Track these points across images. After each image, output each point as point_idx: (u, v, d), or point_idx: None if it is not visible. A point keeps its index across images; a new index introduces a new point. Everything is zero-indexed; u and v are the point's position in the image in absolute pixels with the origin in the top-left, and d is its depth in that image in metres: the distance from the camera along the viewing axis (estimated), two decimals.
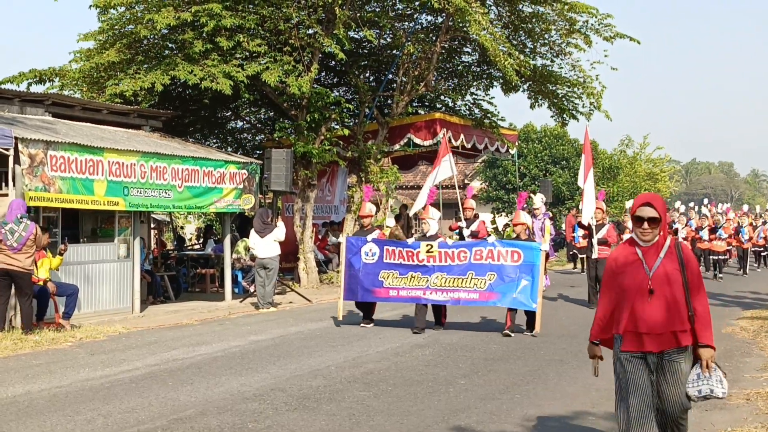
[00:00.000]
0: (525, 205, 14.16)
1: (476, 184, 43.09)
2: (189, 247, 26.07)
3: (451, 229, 16.82)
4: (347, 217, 22.61)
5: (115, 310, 14.90)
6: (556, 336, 12.57)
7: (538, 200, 21.50)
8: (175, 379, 9.23)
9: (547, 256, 15.56)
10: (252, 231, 16.41)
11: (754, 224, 28.60)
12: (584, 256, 21.44)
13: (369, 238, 13.08)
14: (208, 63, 18.43)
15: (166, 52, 20.21)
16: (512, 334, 12.14)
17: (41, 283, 12.80)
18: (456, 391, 8.63)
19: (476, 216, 17.30)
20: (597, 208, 16.12)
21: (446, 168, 16.22)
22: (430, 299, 12.54)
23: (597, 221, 16.08)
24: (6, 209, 12.34)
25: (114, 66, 19.61)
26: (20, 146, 12.71)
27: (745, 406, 8.00)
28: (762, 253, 28.74)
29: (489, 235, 15.24)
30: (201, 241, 26.42)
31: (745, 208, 32.21)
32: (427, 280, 12.44)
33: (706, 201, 33.96)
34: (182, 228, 35.67)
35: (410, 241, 13.22)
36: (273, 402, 8.09)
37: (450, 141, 23.61)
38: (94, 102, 18.01)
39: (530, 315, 12.39)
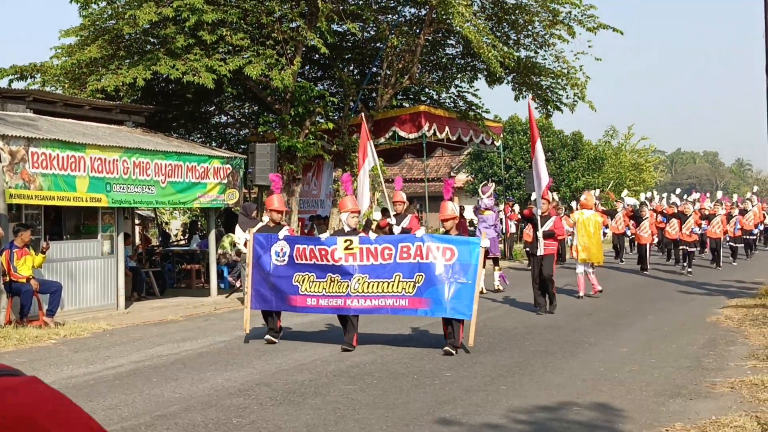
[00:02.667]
0: (452, 195, 11.63)
1: (462, 177, 43.16)
2: (174, 243, 25.98)
3: (380, 227, 14.51)
4: (333, 211, 22.59)
5: (99, 307, 14.84)
6: (542, 327, 12.60)
7: (487, 195, 18.39)
8: (159, 375, 9.19)
9: (487, 254, 13.86)
10: (237, 226, 16.36)
11: (731, 213, 26.78)
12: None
13: (280, 235, 10.94)
14: (191, 57, 18.36)
15: (148, 47, 20.11)
16: (455, 352, 10.16)
17: (24, 280, 12.72)
18: (441, 384, 8.62)
19: (408, 210, 15.69)
20: (543, 198, 14.20)
21: (369, 157, 14.52)
22: (353, 308, 10.42)
23: (542, 212, 14.14)
24: None
25: (96, 62, 19.52)
26: (1, 143, 12.62)
27: (730, 394, 8.02)
28: (737, 245, 26.58)
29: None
30: (186, 236, 26.33)
31: (719, 194, 30.35)
32: (348, 286, 10.34)
33: (678, 191, 33.55)
34: (167, 224, 35.53)
35: (324, 236, 11.03)
36: (258, 397, 8.06)
37: (434, 134, 23.69)
38: (75, 98, 17.91)
39: (455, 324, 10.28)
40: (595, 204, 18.54)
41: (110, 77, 18.26)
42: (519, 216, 16.95)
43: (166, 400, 7.98)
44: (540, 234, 13.99)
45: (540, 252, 13.99)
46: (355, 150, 22.24)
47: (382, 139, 23.87)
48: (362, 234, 10.74)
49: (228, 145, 25.34)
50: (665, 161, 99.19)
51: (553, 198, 17.67)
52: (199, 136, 25.67)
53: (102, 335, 12.30)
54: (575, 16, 23.50)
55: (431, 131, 23.51)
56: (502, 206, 21.91)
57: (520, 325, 12.65)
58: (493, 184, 20.60)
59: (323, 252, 10.49)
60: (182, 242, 25.84)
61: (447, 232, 10.87)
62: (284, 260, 10.70)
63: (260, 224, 12.27)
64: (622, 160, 42.97)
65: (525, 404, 7.66)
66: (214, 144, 24.65)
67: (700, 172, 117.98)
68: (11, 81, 20.57)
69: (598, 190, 20.89)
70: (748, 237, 28.21)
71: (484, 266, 10.96)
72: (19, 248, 12.74)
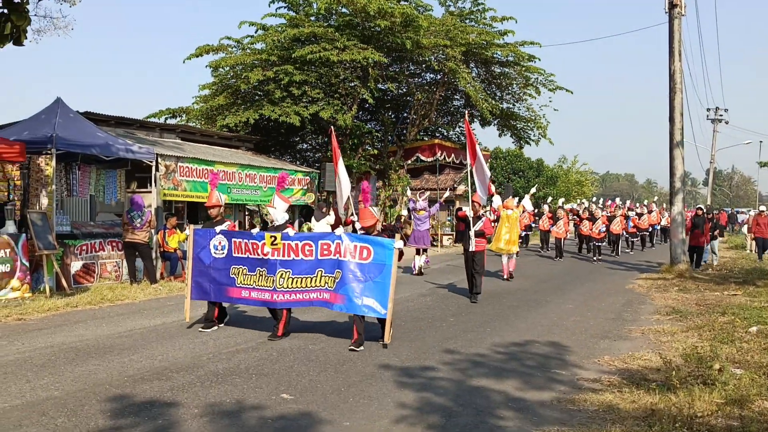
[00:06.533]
0: (371, 202, 8.66)
1: (462, 187, 42.86)
2: (271, 228, 26.03)
3: (345, 224, 11.05)
4: (374, 209, 22.57)
5: None
6: (514, 290, 12.48)
7: (423, 198, 15.06)
8: (262, 314, 9.19)
9: (401, 255, 10.22)
10: (312, 217, 16.39)
11: (627, 215, 23.94)
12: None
13: (218, 229, 8.08)
14: (284, 105, 18.47)
15: (256, 97, 20.25)
16: (358, 350, 7.06)
17: (172, 250, 12.86)
18: (447, 326, 8.59)
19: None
20: (473, 201, 11.04)
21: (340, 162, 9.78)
22: (279, 302, 7.54)
23: (474, 214, 11.05)
24: (144, 201, 12.32)
25: (222, 107, 19.70)
26: (159, 159, 12.78)
27: (641, 337, 7.92)
28: (631, 239, 24.23)
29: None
30: None
31: (618, 201, 26.63)
32: (274, 281, 7.54)
33: (595, 198, 31.44)
34: (267, 214, 35.60)
35: (255, 231, 7.90)
36: (323, 330, 8.10)
37: (444, 158, 23.57)
38: (208, 130, 18.09)
39: (382, 321, 7.38)
40: (519, 205, 16.36)
41: (231, 117, 18.44)
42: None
43: (266, 332, 8.01)
44: (471, 233, 10.92)
45: (472, 248, 10.94)
46: (391, 168, 22.19)
47: (409, 162, 23.84)
48: (286, 230, 7.80)
49: (307, 163, 25.41)
50: (599, 179, 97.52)
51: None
52: (288, 157, 25.79)
53: None
54: (541, 80, 23.32)
55: (442, 156, 23.43)
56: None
57: (499, 289, 12.54)
58: (428, 192, 18.98)
59: (255, 246, 7.75)
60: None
61: (367, 233, 7.72)
62: (223, 253, 7.93)
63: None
64: (569, 178, 42.36)
65: (502, 341, 7.61)
66: (298, 163, 24.72)
67: (621, 187, 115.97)
68: (167, 118, 20.85)
69: (529, 195, 18.37)
70: (643, 233, 25.11)
71: (400, 259, 7.82)
72: (169, 229, 12.90)
